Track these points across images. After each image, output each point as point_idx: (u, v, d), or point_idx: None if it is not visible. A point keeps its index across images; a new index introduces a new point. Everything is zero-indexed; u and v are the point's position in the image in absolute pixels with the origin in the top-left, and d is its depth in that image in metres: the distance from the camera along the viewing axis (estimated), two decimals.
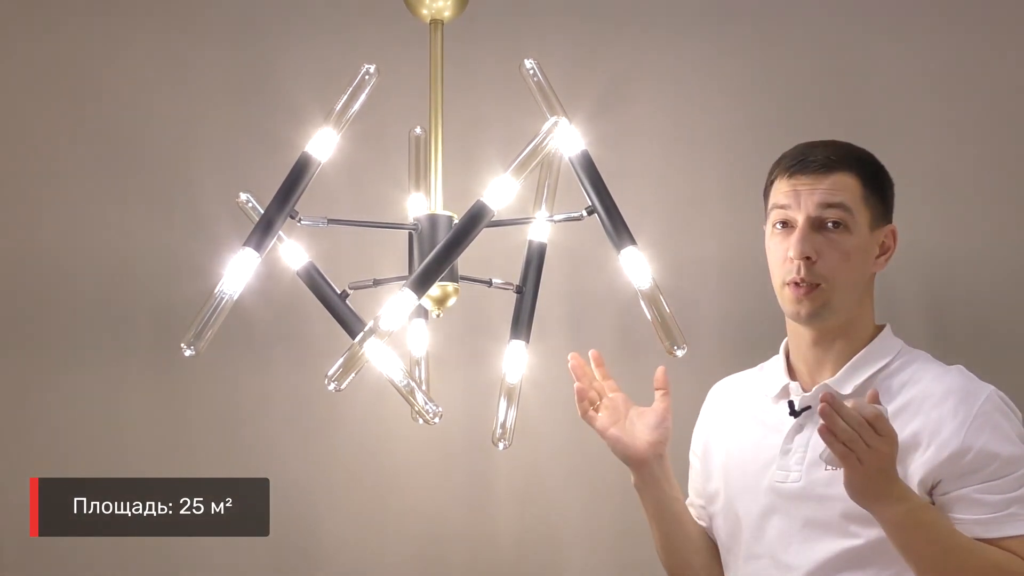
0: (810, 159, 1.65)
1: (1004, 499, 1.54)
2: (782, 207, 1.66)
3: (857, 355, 1.67)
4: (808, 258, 1.62)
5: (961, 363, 1.69)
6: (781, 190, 1.67)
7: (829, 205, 1.63)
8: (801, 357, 1.72)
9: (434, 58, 1.53)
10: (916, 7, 2.23)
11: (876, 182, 1.67)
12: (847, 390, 1.65)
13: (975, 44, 2.20)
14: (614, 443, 1.72)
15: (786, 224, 1.66)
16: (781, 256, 1.65)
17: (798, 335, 1.71)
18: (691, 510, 1.85)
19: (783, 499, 1.62)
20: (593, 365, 1.75)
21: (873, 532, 1.58)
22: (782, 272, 1.65)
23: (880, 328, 1.71)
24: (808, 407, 1.67)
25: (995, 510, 1.54)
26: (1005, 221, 2.17)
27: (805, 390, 1.70)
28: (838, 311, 1.65)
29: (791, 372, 1.73)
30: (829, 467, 1.58)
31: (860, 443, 1.49)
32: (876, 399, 1.54)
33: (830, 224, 1.63)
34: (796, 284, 1.63)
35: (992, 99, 2.18)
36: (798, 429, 1.67)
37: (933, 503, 1.59)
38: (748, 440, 1.73)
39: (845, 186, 1.64)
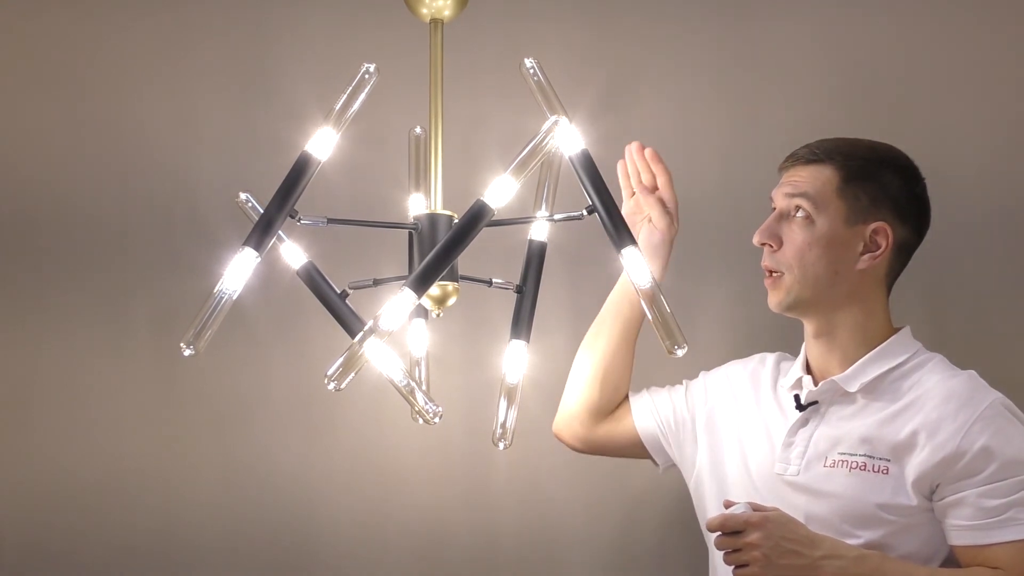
0: (796, 154, 1.70)
1: (1003, 503, 1.54)
2: (772, 200, 1.71)
3: (869, 354, 1.67)
4: (768, 245, 1.66)
5: (957, 364, 1.69)
6: (777, 185, 1.71)
7: (793, 195, 1.67)
8: (810, 351, 1.73)
9: (434, 57, 1.53)
10: (919, 5, 2.23)
11: (860, 177, 1.67)
12: (853, 387, 1.66)
13: (976, 42, 2.20)
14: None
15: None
16: None
17: (805, 328, 1.74)
18: (642, 395, 1.86)
19: (784, 489, 1.63)
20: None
21: (868, 533, 1.58)
22: None
23: (897, 330, 1.72)
24: (815, 402, 1.68)
25: (992, 515, 1.54)
26: (1007, 220, 2.16)
27: (815, 385, 1.70)
28: (813, 303, 1.66)
29: (809, 366, 1.74)
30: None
31: (740, 554, 1.53)
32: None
33: (794, 214, 1.66)
34: (766, 272, 1.68)
35: (995, 96, 2.18)
36: (802, 423, 1.68)
37: (933, 509, 1.59)
38: (758, 429, 1.74)
39: (817, 178, 1.66)
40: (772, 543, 1.52)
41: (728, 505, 1.59)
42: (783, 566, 1.53)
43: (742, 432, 1.76)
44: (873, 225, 1.68)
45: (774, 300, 1.69)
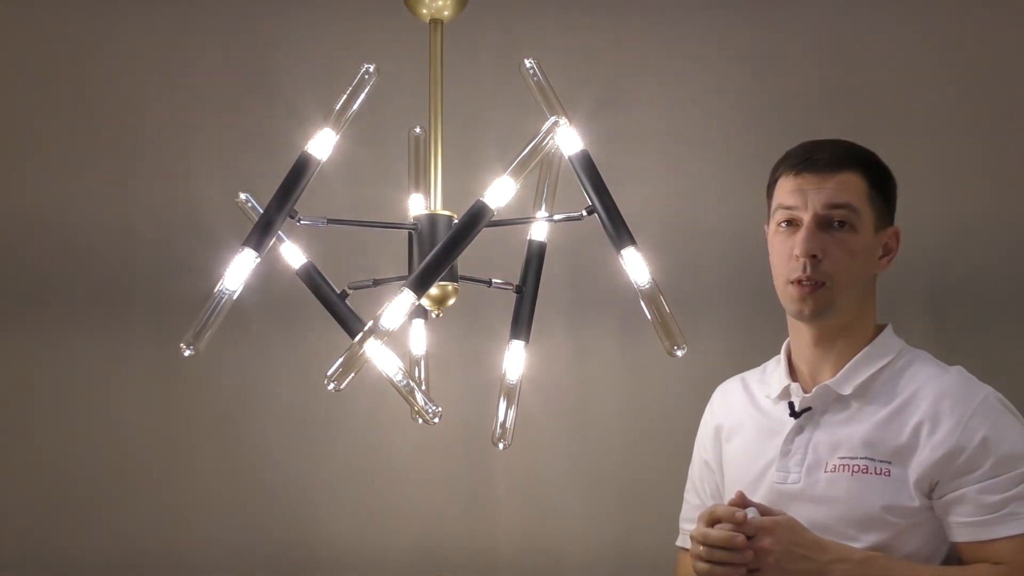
0: (816, 157, 1.65)
1: (1002, 499, 1.54)
2: (788, 207, 1.66)
3: (858, 355, 1.67)
4: (814, 256, 1.62)
5: (960, 363, 1.69)
6: (786, 189, 1.66)
7: (836, 205, 1.63)
8: (802, 357, 1.72)
9: (434, 57, 1.53)
10: (915, 7, 2.23)
11: (881, 183, 1.67)
12: (847, 391, 1.65)
13: (975, 41, 2.20)
14: None
15: (791, 223, 1.66)
16: (786, 255, 1.65)
17: (799, 335, 1.71)
18: (691, 516, 1.84)
19: (783, 500, 1.62)
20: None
21: (871, 537, 1.57)
22: (787, 271, 1.65)
23: (881, 328, 1.71)
24: (809, 408, 1.67)
25: (992, 511, 1.54)
26: (1006, 219, 2.16)
27: (806, 391, 1.69)
28: (841, 310, 1.65)
29: (792, 373, 1.73)
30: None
31: (748, 553, 1.52)
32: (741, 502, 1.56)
33: (836, 223, 1.63)
34: (801, 283, 1.63)
35: (992, 95, 2.18)
36: (798, 430, 1.67)
37: (932, 507, 1.59)
38: (750, 441, 1.73)
39: (851, 185, 1.64)
40: (783, 548, 1.52)
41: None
42: (793, 571, 1.52)
43: (739, 455, 1.76)
44: (890, 230, 1.69)
45: (810, 309, 1.64)
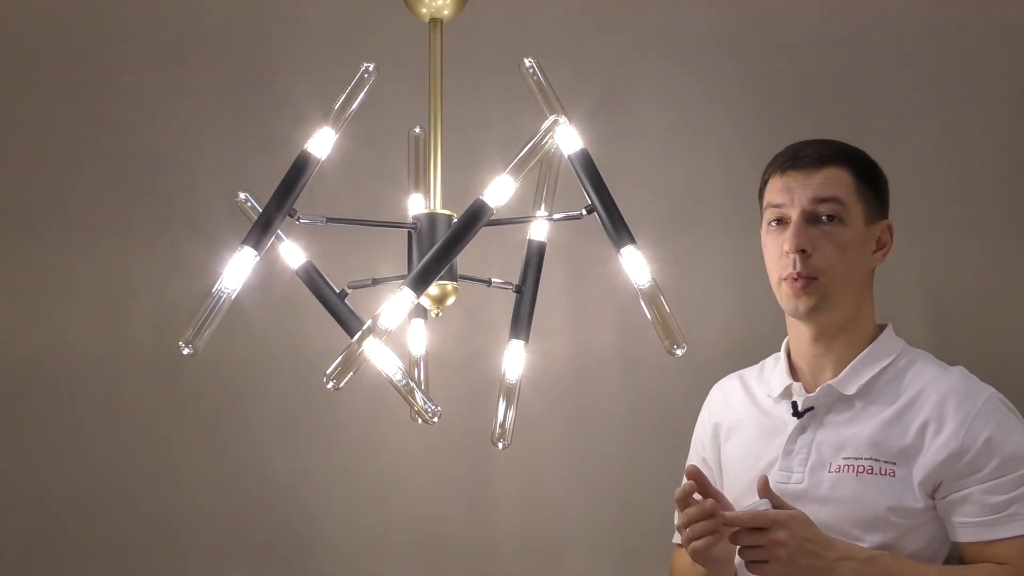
0: (802, 155, 1.67)
1: (1006, 499, 1.54)
2: (776, 205, 1.68)
3: (860, 355, 1.67)
4: (803, 251, 1.63)
5: (960, 363, 1.69)
6: (775, 188, 1.68)
7: (823, 199, 1.64)
8: (802, 356, 1.72)
9: (433, 57, 1.52)
10: (914, 5, 2.22)
11: (869, 177, 1.68)
12: (850, 391, 1.65)
13: (975, 41, 2.20)
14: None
15: (781, 221, 1.67)
16: (777, 253, 1.66)
17: (798, 333, 1.71)
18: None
19: (786, 500, 1.62)
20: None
21: (875, 538, 1.58)
22: (779, 268, 1.66)
23: (881, 328, 1.71)
24: (811, 408, 1.67)
25: (996, 511, 1.54)
26: (1006, 219, 2.16)
27: (808, 391, 1.69)
28: (837, 305, 1.65)
29: (793, 372, 1.73)
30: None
31: (762, 550, 1.52)
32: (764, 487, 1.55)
33: (824, 218, 1.64)
34: (793, 279, 1.64)
35: (992, 96, 2.18)
36: (801, 430, 1.67)
37: (935, 508, 1.59)
38: (751, 441, 1.73)
39: (838, 180, 1.65)
40: (796, 543, 1.52)
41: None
42: (803, 566, 1.52)
43: (738, 454, 1.76)
44: (882, 223, 1.69)
45: (805, 304, 1.65)
